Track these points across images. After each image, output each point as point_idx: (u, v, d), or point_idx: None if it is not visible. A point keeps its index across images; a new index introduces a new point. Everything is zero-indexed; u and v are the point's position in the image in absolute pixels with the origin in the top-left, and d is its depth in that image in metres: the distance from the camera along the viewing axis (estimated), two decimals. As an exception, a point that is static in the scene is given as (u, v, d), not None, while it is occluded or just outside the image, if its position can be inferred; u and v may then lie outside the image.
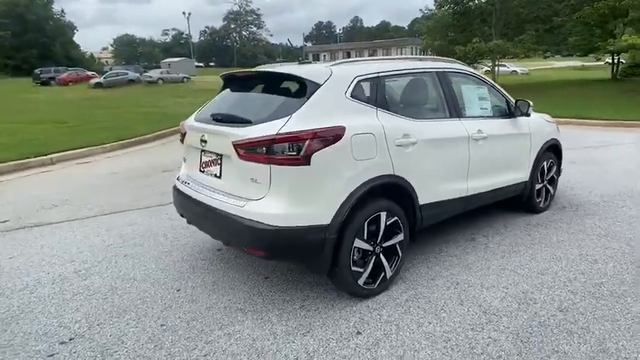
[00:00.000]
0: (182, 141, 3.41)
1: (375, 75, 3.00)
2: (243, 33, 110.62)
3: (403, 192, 2.98)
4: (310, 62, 3.44)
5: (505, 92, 4.07)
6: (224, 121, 2.92)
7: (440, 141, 3.23)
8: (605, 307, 2.75)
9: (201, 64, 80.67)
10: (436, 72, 3.46)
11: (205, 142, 2.94)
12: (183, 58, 56.96)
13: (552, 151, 4.54)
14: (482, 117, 3.75)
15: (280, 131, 2.50)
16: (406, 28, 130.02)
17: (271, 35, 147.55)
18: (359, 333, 2.55)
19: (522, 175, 4.17)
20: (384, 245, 2.93)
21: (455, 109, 3.47)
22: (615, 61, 19.10)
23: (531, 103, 3.97)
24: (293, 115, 2.57)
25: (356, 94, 2.84)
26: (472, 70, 3.97)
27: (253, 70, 3.24)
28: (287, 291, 3.07)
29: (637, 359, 2.28)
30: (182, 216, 3.42)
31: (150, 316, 2.81)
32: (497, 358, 2.30)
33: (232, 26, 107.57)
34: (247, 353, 2.40)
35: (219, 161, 2.91)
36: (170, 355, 2.41)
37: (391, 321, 2.66)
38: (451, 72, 3.59)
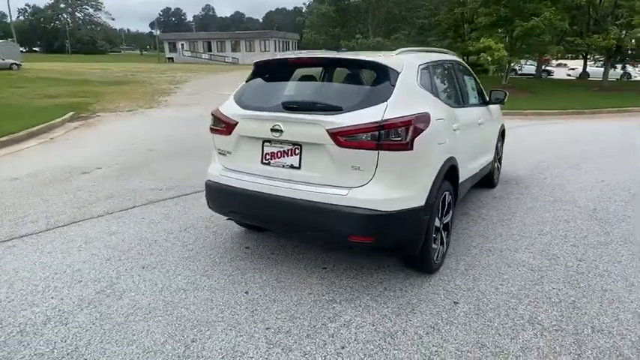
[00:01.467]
0: (215, 131, 3.11)
1: (429, 64, 3.21)
2: (77, 15, 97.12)
3: (455, 172, 3.28)
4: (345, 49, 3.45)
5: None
6: (302, 109, 2.79)
7: (469, 126, 3.62)
8: (595, 251, 3.52)
9: (22, 49, 67.99)
10: (453, 63, 3.83)
11: (280, 131, 2.76)
12: (4, 41, 47.24)
13: (501, 133, 5.38)
14: (476, 105, 4.28)
15: (385, 117, 2.54)
16: (261, 20, 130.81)
17: (113, 19, 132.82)
18: (456, 303, 2.78)
19: (491, 155, 4.87)
20: (444, 222, 3.20)
21: (465, 98, 3.90)
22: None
23: (507, 92, 4.66)
24: (388, 102, 2.63)
25: (422, 82, 3.01)
26: (464, 62, 4.48)
27: (322, 55, 3.14)
28: (356, 277, 3.10)
29: (607, 269, 3.00)
30: (228, 213, 3.14)
31: (245, 323, 2.57)
32: (557, 293, 2.79)
33: (62, 6, 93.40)
34: (380, 338, 2.43)
35: (296, 151, 2.78)
36: (305, 354, 2.29)
37: (472, 288, 2.96)
38: (458, 63, 4.01)
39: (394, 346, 2.36)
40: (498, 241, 3.74)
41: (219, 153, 3.18)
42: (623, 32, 17.36)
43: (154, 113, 12.34)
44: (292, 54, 3.19)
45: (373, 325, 2.54)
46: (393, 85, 2.74)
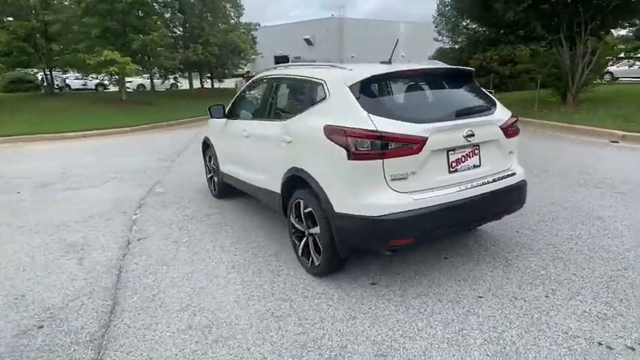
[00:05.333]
0: (392, 155, 2.73)
1: None
2: None
3: None
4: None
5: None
6: (467, 114, 3.06)
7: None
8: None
9: None
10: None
11: (472, 135, 2.95)
12: None
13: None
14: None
15: (510, 115, 3.37)
16: None
17: None
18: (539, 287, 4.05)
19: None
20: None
21: None
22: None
23: None
24: (497, 104, 3.41)
25: None
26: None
27: (438, 68, 3.27)
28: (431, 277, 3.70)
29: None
30: (418, 236, 2.87)
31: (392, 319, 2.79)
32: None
33: None
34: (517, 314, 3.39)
35: (476, 151, 3.07)
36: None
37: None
38: None
39: (572, 262, 3.42)
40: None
41: (395, 179, 2.77)
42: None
43: None
44: (407, 66, 3.15)
45: (488, 319, 3.44)
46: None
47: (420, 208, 2.78)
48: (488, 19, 12.10)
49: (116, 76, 16.81)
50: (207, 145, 5.61)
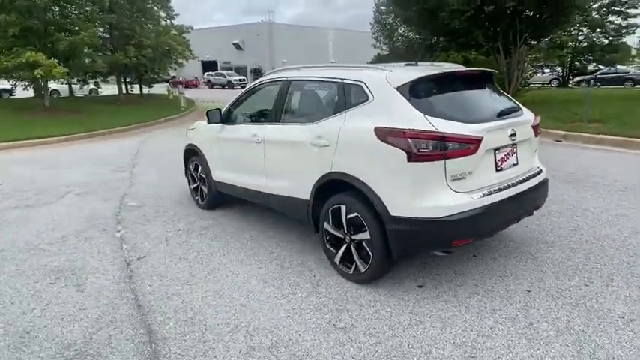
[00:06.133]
0: (450, 155, 2.75)
1: None
2: None
3: None
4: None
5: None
6: (507, 114, 3.17)
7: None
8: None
9: None
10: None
11: (514, 135, 3.06)
12: None
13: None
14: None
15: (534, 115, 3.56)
16: None
17: None
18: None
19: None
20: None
21: None
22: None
23: None
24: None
25: None
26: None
27: (475, 69, 3.31)
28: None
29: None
30: (478, 236, 2.91)
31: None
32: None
33: None
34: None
35: (514, 149, 3.19)
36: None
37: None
38: None
39: (587, 251, 3.69)
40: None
41: (455, 179, 2.79)
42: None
43: None
44: (449, 68, 3.20)
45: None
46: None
47: (478, 207, 2.82)
48: (434, 28, 12.81)
49: (39, 80, 15.07)
50: (193, 153, 5.24)
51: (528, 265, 3.45)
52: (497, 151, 3.04)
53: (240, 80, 42.25)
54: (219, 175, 4.73)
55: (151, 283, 3.41)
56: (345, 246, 3.26)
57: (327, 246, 3.43)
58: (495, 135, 2.98)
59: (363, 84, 3.14)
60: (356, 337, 2.61)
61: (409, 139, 2.72)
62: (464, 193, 2.82)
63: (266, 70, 55.62)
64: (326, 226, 3.38)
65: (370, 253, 3.05)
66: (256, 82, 4.39)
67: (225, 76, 43.63)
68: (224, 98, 25.15)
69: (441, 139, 2.70)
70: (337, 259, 3.34)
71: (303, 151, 3.47)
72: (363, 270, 3.14)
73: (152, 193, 6.11)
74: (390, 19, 20.29)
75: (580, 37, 28.43)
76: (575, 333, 2.55)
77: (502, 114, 3.19)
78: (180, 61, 22.89)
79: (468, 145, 2.79)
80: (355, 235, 3.15)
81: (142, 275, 3.56)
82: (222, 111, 4.53)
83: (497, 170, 3.06)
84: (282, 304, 3.04)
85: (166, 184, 6.51)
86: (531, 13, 11.21)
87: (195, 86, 43.14)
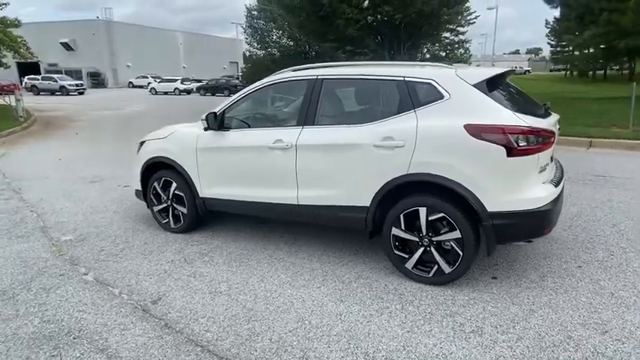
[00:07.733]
0: (542, 149, 2.91)
1: None
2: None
3: None
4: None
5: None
6: (547, 111, 3.48)
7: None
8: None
9: None
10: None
11: (560, 129, 3.39)
12: None
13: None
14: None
15: None
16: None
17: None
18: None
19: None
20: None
21: None
22: None
23: None
24: None
25: None
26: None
27: (509, 69, 3.48)
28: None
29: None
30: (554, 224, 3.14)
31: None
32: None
33: None
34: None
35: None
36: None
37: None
38: None
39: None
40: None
41: (541, 171, 2.96)
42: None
43: None
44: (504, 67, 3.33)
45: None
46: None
47: (557, 197, 3.04)
48: (326, 35, 13.26)
49: None
50: (160, 167, 4.36)
51: (566, 256, 3.86)
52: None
53: (77, 85, 36.71)
54: (215, 191, 4.03)
55: (208, 328, 2.74)
56: (421, 249, 3.15)
57: (397, 253, 3.26)
58: (553, 129, 3.26)
59: (433, 82, 3.08)
60: (485, 339, 2.54)
61: (509, 135, 2.78)
62: (547, 183, 3.01)
63: (106, 74, 49.29)
64: (395, 231, 3.21)
65: (460, 252, 3.01)
66: (261, 83, 3.86)
67: (56, 81, 37.28)
68: (69, 107, 21.43)
69: (537, 133, 2.83)
70: (410, 264, 3.20)
71: (359, 153, 3.23)
72: (448, 271, 3.08)
73: (84, 221, 4.89)
74: (262, 24, 20.23)
75: (424, 50, 33.09)
76: (650, 295, 2.95)
77: (546, 110, 3.50)
78: (26, 58, 18.69)
79: (551, 138, 2.99)
80: (438, 237, 3.07)
81: (180, 323, 2.82)
82: (218, 116, 3.89)
83: (550, 162, 3.34)
84: (372, 314, 2.85)
85: (98, 209, 5.30)
86: (413, 26, 12.65)
87: (13, 93, 35.74)
